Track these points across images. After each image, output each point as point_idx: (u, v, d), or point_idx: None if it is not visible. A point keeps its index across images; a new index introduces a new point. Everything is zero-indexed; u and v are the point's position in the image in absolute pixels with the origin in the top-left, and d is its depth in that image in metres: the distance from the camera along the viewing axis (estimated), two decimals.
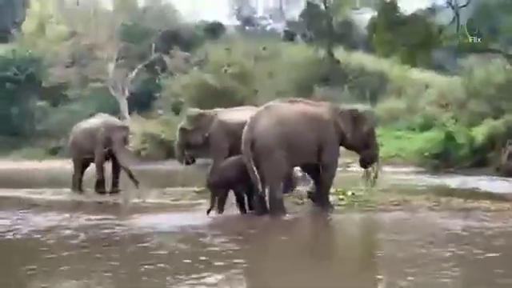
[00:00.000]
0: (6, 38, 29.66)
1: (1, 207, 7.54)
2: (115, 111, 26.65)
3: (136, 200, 8.23)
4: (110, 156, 9.39)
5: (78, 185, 9.75)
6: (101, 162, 9.41)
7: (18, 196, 9.28)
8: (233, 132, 8.19)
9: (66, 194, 9.52)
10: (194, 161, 8.98)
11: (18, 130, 27.59)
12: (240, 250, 4.87)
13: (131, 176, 9.27)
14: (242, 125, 7.93)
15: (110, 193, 9.30)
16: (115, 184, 9.49)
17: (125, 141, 9.49)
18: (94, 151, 9.39)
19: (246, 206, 6.59)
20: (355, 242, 5.17)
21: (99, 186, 9.46)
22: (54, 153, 24.51)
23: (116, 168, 9.48)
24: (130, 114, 25.84)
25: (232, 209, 6.62)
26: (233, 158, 6.84)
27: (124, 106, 26.62)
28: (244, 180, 6.28)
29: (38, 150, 24.92)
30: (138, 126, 22.22)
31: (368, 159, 7.20)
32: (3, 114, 27.44)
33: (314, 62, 25.28)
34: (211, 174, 6.40)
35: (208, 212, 6.29)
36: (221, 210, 6.41)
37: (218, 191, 6.34)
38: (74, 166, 9.89)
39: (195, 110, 9.08)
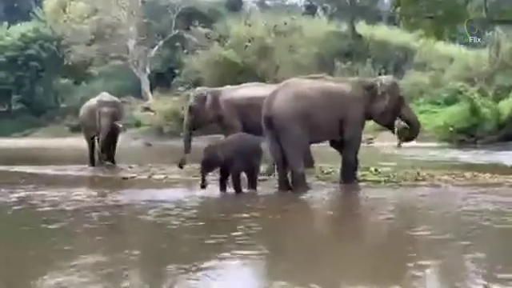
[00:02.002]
0: (28, 17, 29.89)
1: (30, 183, 7.67)
2: (137, 89, 26.94)
3: (160, 176, 8.28)
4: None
5: (90, 160, 10.31)
6: (102, 138, 9.93)
7: (45, 173, 9.45)
8: (242, 109, 8.15)
9: (88, 170, 9.73)
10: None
11: (42, 108, 28.07)
12: (266, 227, 4.87)
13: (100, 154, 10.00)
14: (250, 101, 7.94)
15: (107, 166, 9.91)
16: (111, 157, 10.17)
17: (113, 116, 9.91)
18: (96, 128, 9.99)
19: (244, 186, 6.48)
20: (380, 218, 5.11)
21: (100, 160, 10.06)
22: (77, 130, 24.85)
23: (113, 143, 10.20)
24: (151, 91, 25.98)
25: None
26: (229, 137, 6.84)
27: (145, 83, 26.75)
28: (236, 160, 6.23)
29: (62, 128, 25.31)
30: (159, 104, 22.38)
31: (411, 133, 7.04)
32: (28, 91, 27.90)
33: (335, 37, 24.94)
34: (204, 152, 6.37)
35: (202, 188, 6.31)
36: (223, 188, 6.38)
37: (207, 169, 6.35)
38: (86, 144, 10.60)
39: (203, 89, 9.04)
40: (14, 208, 5.73)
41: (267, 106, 6.46)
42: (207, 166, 6.33)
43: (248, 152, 6.31)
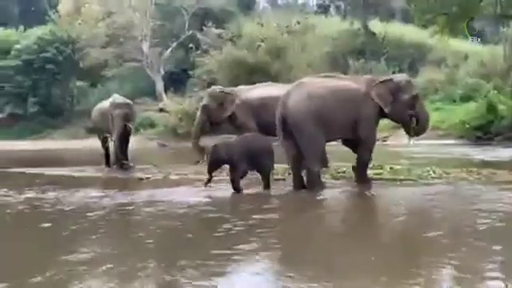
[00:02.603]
0: (43, 20, 30.24)
1: (51, 184, 7.81)
2: (151, 90, 27.13)
3: (175, 177, 8.35)
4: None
5: (105, 161, 10.45)
6: (116, 139, 9.96)
7: (62, 174, 9.59)
8: (256, 109, 8.18)
9: (105, 171, 9.86)
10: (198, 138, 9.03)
11: (58, 110, 28.37)
12: (280, 225, 4.90)
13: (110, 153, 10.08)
14: (265, 101, 7.96)
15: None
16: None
17: (126, 118, 9.96)
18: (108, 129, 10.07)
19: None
20: (396, 217, 5.11)
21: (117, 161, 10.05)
22: (94, 131, 25.08)
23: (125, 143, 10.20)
24: (165, 92, 26.14)
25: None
26: (238, 137, 6.87)
27: (160, 84, 26.92)
28: (240, 161, 6.25)
29: (78, 130, 25.56)
30: (173, 105, 22.50)
31: (419, 129, 7.03)
32: (44, 94, 28.22)
33: (348, 35, 24.84)
34: (210, 151, 6.44)
35: (205, 185, 6.39)
36: (238, 186, 6.41)
37: (211, 168, 6.38)
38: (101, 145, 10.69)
39: (216, 88, 9.07)
40: (25, 209, 5.85)
41: (282, 105, 6.48)
42: (212, 166, 6.40)
43: (256, 153, 6.34)
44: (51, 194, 6.77)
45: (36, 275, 3.29)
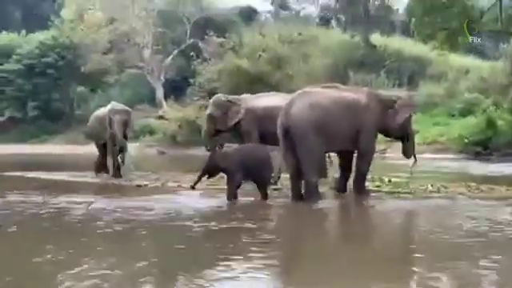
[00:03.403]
0: (46, 25, 30.34)
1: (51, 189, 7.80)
2: (152, 97, 27.18)
3: (173, 184, 8.34)
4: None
5: (96, 168, 10.30)
6: (111, 147, 9.89)
7: (63, 179, 9.59)
8: (261, 118, 8.19)
9: (104, 178, 9.83)
10: (222, 146, 8.99)
11: (58, 115, 28.38)
12: (277, 238, 4.89)
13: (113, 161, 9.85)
14: (269, 110, 7.97)
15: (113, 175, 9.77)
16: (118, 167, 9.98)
17: (125, 124, 9.94)
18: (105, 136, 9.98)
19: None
20: (393, 229, 5.11)
21: (117, 170, 9.88)
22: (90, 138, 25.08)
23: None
24: (165, 99, 26.17)
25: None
26: (238, 146, 6.89)
27: (160, 91, 26.97)
28: (236, 171, 6.24)
29: (77, 135, 25.53)
30: (173, 112, 22.52)
31: (408, 150, 7.09)
32: (45, 99, 28.22)
33: (349, 47, 24.92)
34: (208, 158, 6.47)
35: (191, 188, 6.43)
36: (230, 195, 6.38)
37: (203, 174, 6.42)
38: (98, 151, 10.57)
39: (221, 96, 9.08)
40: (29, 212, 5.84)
41: (284, 115, 6.48)
42: (205, 171, 6.41)
43: (253, 164, 6.33)
44: (34, 199, 6.81)
45: None
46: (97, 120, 10.45)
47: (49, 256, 3.97)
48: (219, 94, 9.37)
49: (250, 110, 8.43)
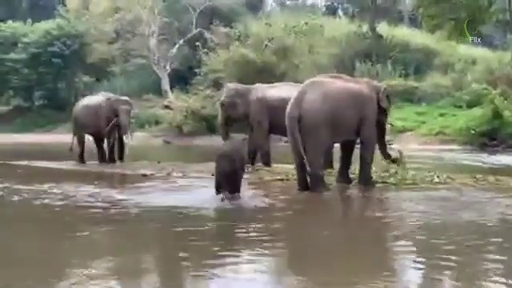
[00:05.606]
0: (52, 14, 30.33)
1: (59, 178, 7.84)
2: (157, 87, 27.17)
3: (178, 174, 8.35)
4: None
5: (79, 158, 10.31)
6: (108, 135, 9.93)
7: (62, 168, 9.66)
8: (272, 108, 8.16)
9: (109, 167, 9.86)
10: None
11: (64, 104, 28.45)
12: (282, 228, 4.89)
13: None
14: (281, 101, 7.92)
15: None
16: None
17: (129, 114, 9.99)
18: (99, 126, 9.93)
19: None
20: (398, 221, 5.09)
21: (110, 157, 10.02)
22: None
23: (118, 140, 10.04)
24: (171, 89, 26.17)
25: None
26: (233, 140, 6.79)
27: (166, 81, 26.96)
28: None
29: None
30: (179, 102, 22.52)
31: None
32: (50, 88, 28.32)
33: (355, 37, 24.75)
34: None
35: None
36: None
37: None
38: (77, 141, 10.52)
39: (234, 85, 9.06)
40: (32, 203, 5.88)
41: (295, 105, 6.43)
42: None
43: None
44: (24, 187, 6.86)
45: None
46: (90, 109, 10.29)
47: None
48: (231, 83, 9.36)
49: (260, 99, 8.41)
